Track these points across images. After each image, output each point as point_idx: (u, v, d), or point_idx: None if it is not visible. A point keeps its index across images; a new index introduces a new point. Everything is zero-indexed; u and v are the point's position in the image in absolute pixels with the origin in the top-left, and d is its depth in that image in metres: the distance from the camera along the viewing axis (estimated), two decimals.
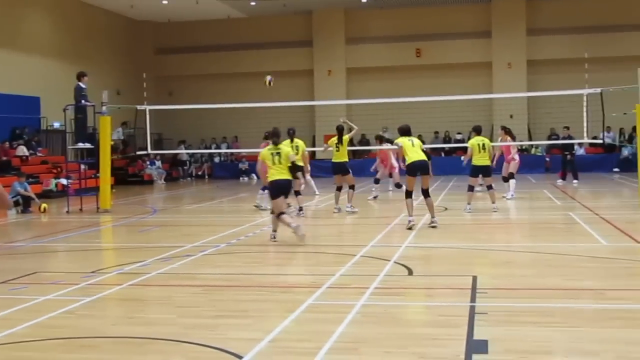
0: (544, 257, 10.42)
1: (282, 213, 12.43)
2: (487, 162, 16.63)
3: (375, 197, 20.22)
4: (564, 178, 25.44)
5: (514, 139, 21.09)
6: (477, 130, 17.13)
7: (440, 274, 9.31)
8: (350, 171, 17.18)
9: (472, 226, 14.65)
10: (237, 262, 10.72)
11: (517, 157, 19.96)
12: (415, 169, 13.77)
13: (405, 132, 14.21)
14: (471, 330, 6.38)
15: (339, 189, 17.22)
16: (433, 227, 13.57)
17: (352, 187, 17.10)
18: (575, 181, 24.54)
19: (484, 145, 16.51)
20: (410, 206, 13.64)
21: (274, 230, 12.59)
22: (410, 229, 13.28)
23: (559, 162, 26.69)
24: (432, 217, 13.84)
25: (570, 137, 24.72)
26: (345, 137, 17.22)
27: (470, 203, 16.39)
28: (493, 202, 16.45)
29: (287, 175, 12.50)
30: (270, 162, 12.52)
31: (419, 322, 6.81)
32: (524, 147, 33.81)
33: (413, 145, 13.92)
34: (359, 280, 8.85)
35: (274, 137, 12.82)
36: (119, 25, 36.15)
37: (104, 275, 9.63)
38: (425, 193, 13.85)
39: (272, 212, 12.85)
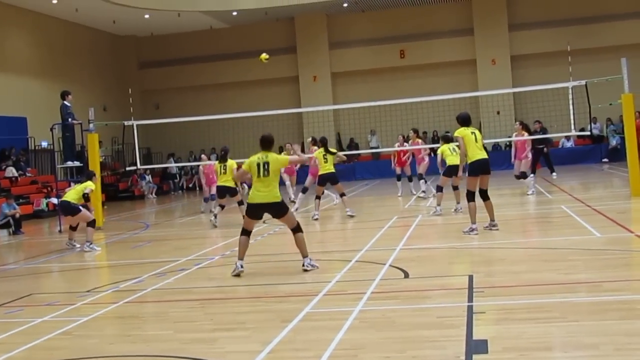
0: (538, 252, 10.44)
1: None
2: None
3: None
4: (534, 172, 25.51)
5: (530, 134, 20.63)
6: (446, 139, 16.88)
7: (436, 274, 9.31)
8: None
9: (464, 225, 14.63)
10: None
11: (530, 155, 19.61)
12: (477, 169, 12.58)
13: (465, 121, 12.92)
14: (470, 331, 6.37)
15: (319, 197, 17.30)
16: (495, 229, 12.66)
17: (343, 194, 17.17)
18: (554, 174, 24.45)
19: (454, 148, 16.33)
20: (474, 211, 12.54)
21: (70, 238, 14.85)
22: (469, 233, 12.44)
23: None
24: (492, 219, 12.78)
25: (544, 131, 24.69)
26: (333, 150, 17.37)
27: (440, 204, 16.20)
28: (458, 202, 16.20)
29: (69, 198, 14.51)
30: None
31: (417, 324, 6.80)
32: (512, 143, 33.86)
33: (476, 140, 12.65)
34: (355, 285, 8.84)
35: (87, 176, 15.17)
36: (102, 42, 36.11)
37: (99, 294, 9.59)
38: (484, 194, 12.70)
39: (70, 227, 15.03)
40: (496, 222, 12.81)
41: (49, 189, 25.71)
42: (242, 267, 10.07)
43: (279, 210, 10.17)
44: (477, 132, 12.86)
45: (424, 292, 8.40)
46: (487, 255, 10.72)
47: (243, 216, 17.03)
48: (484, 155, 12.67)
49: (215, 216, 17.33)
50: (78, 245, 14.54)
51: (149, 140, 35.55)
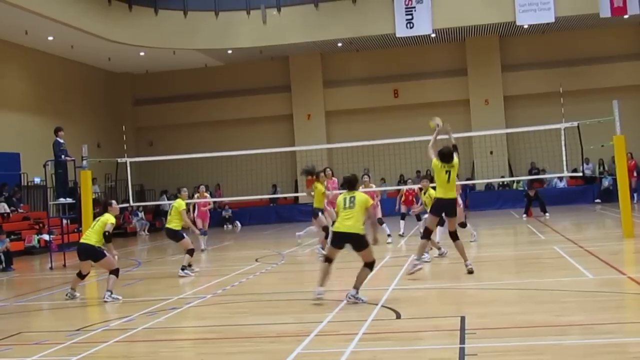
0: (530, 293, 10.41)
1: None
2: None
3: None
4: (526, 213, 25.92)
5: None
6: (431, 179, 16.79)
7: (429, 315, 9.28)
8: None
9: (457, 265, 14.56)
10: (224, 313, 10.64)
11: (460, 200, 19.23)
12: (440, 208, 12.61)
13: (444, 156, 12.62)
14: None
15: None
16: (470, 272, 12.28)
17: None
18: (547, 214, 24.74)
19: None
20: (423, 247, 12.77)
21: (72, 289, 12.80)
22: (411, 273, 12.25)
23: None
24: (465, 260, 12.54)
25: (537, 173, 25.25)
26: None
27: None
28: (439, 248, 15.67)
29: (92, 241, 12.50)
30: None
31: None
32: (505, 183, 34.00)
33: (448, 180, 12.47)
34: (347, 326, 8.79)
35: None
36: (97, 78, 36.25)
37: (89, 332, 9.51)
38: (454, 235, 12.70)
39: (78, 275, 12.86)
40: (469, 263, 12.50)
41: (41, 225, 25.62)
42: (320, 293, 10.56)
43: (360, 243, 10.47)
44: (452, 171, 12.53)
45: (416, 333, 8.36)
46: (480, 296, 10.68)
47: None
48: (451, 195, 12.52)
49: (188, 266, 15.36)
50: (78, 294, 13.05)
51: (142, 177, 35.54)
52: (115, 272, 12.59)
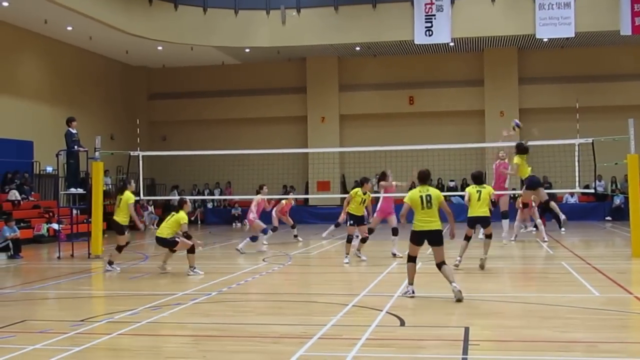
0: (536, 307, 10.37)
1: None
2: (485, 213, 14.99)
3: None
4: (536, 226, 25.75)
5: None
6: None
7: (433, 324, 9.26)
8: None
9: (464, 275, 14.51)
10: (228, 311, 10.65)
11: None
12: (474, 223, 14.93)
13: (476, 179, 15.03)
14: None
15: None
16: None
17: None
18: (562, 229, 24.64)
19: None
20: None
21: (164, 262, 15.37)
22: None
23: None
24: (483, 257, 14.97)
25: (550, 186, 25.19)
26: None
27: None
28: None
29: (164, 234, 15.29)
30: None
31: None
32: (516, 195, 33.85)
33: (479, 199, 14.66)
34: (350, 330, 8.79)
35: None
36: (114, 71, 36.36)
37: (93, 324, 9.54)
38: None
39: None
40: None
41: (51, 214, 25.71)
42: (414, 292, 11.23)
43: (438, 238, 11.11)
44: (483, 190, 14.86)
45: (419, 341, 8.35)
46: (485, 308, 10.64)
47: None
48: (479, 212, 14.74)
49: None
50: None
51: (154, 171, 35.58)
52: (191, 249, 14.93)
